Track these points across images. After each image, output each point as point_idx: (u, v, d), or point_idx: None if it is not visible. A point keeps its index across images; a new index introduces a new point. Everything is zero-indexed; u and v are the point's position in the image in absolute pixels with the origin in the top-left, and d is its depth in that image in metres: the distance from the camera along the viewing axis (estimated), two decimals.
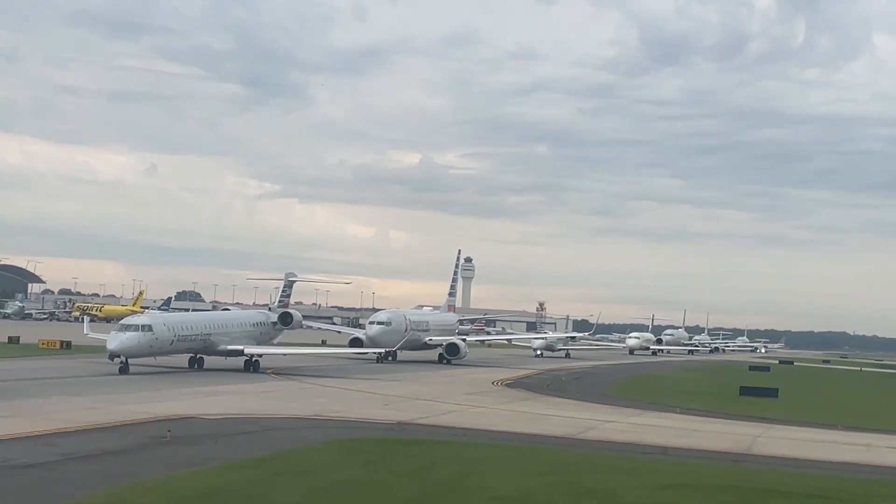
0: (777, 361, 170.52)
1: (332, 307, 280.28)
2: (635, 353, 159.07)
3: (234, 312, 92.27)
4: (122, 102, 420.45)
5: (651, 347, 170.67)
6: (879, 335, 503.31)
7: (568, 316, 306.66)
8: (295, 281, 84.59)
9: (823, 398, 78.05)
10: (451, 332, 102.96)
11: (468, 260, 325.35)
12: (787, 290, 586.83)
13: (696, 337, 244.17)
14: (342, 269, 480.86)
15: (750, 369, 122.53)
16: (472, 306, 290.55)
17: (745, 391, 73.24)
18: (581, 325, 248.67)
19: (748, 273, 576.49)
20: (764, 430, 45.28)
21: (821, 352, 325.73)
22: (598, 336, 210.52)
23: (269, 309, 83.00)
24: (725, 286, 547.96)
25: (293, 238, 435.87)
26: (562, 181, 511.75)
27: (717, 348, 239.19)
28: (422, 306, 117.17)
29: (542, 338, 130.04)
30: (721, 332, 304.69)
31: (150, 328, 60.51)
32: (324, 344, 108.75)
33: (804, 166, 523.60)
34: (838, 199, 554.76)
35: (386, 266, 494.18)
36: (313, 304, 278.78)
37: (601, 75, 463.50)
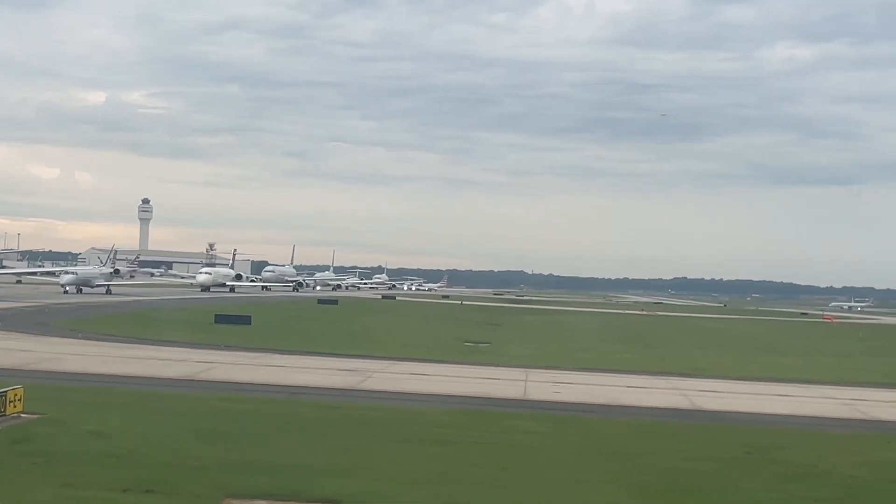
0: (381, 297, 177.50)
1: (6, 250, 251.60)
2: (211, 290, 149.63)
3: None
4: None
5: (228, 284, 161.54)
6: (556, 274, 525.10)
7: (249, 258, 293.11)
8: None
9: (318, 327, 78.53)
10: None
11: (146, 201, 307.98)
12: (472, 231, 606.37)
13: (318, 274, 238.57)
14: (26, 212, 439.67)
15: (318, 303, 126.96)
16: (151, 248, 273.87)
17: (221, 319, 74.29)
18: (259, 267, 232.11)
19: (437, 215, 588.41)
20: (150, 353, 45.16)
21: (489, 290, 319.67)
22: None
23: None
24: (414, 227, 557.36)
25: None
26: (254, 122, 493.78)
27: (339, 286, 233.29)
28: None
29: (73, 273, 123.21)
30: (357, 270, 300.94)
31: None
32: None
33: (493, 110, 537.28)
34: (524, 142, 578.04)
35: (72, 208, 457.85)
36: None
37: (293, 15, 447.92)
